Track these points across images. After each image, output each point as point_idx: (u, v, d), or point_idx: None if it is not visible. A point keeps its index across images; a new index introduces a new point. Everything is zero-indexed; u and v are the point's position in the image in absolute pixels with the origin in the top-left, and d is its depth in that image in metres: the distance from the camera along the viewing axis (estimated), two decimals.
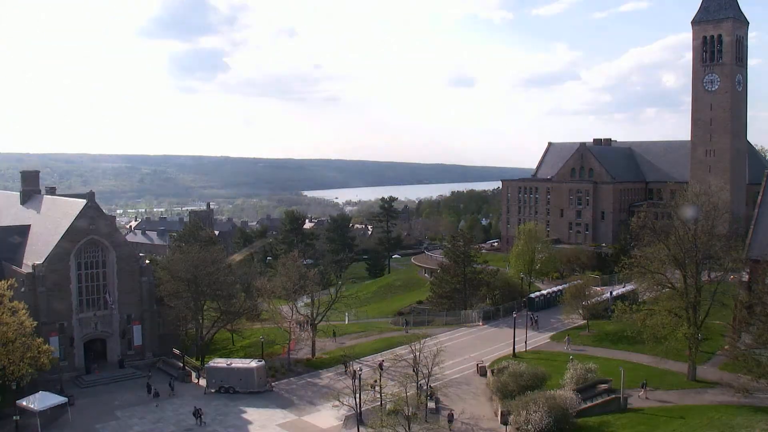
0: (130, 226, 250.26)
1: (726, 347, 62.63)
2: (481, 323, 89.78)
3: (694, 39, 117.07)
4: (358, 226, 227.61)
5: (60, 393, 61.54)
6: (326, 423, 55.93)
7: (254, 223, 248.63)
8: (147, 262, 76.98)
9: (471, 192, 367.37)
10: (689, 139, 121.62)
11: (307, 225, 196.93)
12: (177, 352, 76.57)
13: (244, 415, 58.18)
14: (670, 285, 61.22)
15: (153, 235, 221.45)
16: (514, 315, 75.26)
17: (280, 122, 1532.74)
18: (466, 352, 75.14)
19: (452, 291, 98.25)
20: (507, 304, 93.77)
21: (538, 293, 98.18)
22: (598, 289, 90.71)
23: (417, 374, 54.70)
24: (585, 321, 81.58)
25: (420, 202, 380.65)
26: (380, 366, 64.36)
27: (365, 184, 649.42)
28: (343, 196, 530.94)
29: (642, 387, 56.76)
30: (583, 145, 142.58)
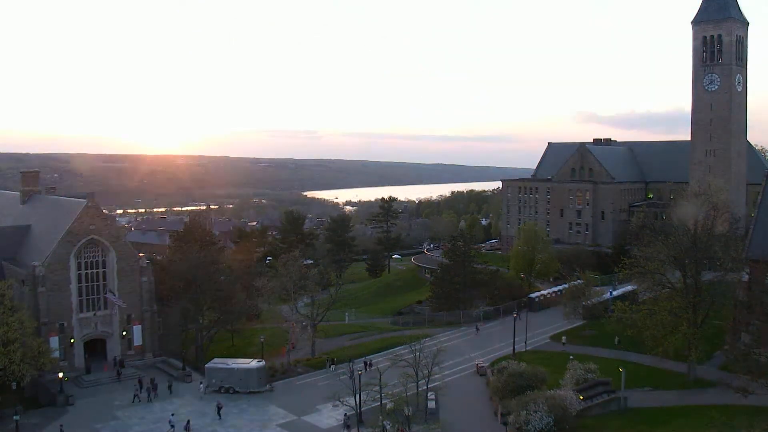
0: (131, 226, 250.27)
1: (726, 347, 62.66)
2: (481, 323, 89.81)
3: (694, 39, 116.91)
4: (358, 226, 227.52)
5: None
6: (326, 423, 55.94)
7: (254, 223, 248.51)
8: (147, 262, 76.91)
9: (471, 192, 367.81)
10: (689, 139, 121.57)
11: (307, 225, 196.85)
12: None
13: (244, 415, 58.16)
14: (670, 285, 61.20)
15: (153, 235, 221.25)
16: (514, 315, 75.27)
17: (279, 121, 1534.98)
18: (466, 352, 75.17)
19: (452, 291, 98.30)
20: (507, 304, 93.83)
21: (538, 293, 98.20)
22: (598, 289, 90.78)
23: (417, 374, 54.68)
24: (585, 321, 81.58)
25: (420, 202, 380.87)
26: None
27: (365, 185, 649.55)
28: (343, 196, 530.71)
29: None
30: (582, 145, 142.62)
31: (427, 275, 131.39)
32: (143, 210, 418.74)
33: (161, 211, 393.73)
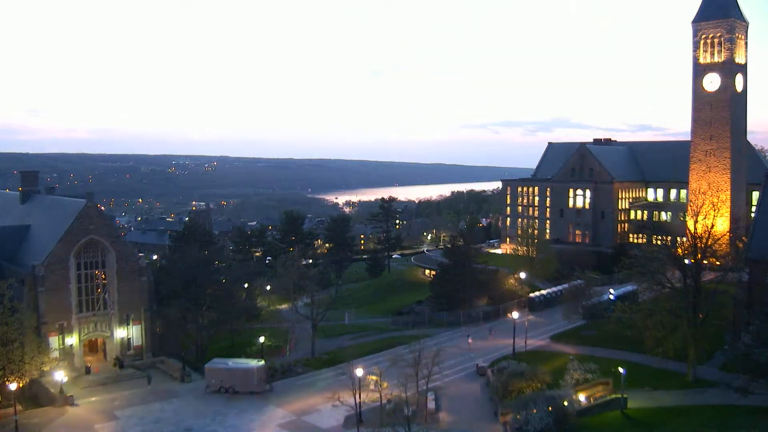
0: (130, 226, 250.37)
1: (726, 347, 62.63)
2: (481, 323, 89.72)
3: (694, 39, 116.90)
4: (357, 225, 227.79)
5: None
6: (326, 423, 55.90)
7: (254, 223, 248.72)
8: (146, 262, 76.96)
9: (471, 192, 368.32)
10: (689, 139, 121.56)
11: (307, 225, 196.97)
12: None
13: (244, 415, 58.13)
14: (670, 285, 61.16)
15: (153, 235, 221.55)
16: (514, 315, 75.20)
17: (279, 121, 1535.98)
18: (466, 352, 75.08)
19: (452, 291, 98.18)
20: (507, 303, 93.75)
21: (538, 293, 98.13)
22: (598, 289, 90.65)
23: (417, 374, 54.61)
24: (585, 321, 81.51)
25: (420, 202, 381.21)
26: None
27: (365, 185, 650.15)
28: (343, 197, 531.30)
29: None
30: (583, 145, 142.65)
31: (427, 275, 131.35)
32: (143, 210, 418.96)
33: (161, 211, 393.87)
